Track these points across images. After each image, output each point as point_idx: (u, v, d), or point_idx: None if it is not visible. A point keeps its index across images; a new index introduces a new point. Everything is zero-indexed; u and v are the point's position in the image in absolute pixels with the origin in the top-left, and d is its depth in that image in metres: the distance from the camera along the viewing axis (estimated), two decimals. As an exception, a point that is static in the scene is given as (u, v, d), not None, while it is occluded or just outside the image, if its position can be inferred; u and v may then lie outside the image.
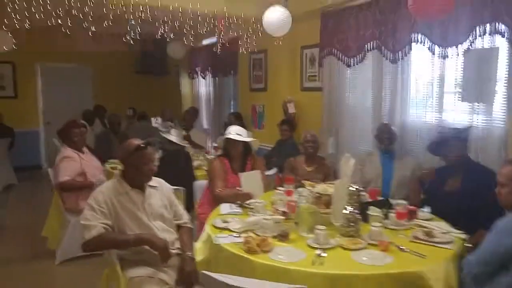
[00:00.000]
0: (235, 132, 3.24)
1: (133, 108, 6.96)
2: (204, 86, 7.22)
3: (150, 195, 2.41)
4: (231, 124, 5.33)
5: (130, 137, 5.12)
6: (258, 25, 4.49)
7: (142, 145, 2.35)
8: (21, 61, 7.20)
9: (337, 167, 3.64)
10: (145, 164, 2.31)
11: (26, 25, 3.66)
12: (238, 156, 3.27)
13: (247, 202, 2.81)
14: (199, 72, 7.03)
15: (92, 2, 3.69)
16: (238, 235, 2.22)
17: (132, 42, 3.92)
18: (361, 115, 4.22)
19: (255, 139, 3.33)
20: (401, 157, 3.51)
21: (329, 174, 3.56)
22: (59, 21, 3.69)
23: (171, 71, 8.21)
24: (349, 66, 4.13)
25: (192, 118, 5.67)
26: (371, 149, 3.84)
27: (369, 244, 2.08)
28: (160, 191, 2.50)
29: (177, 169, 3.60)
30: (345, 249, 2.03)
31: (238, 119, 5.44)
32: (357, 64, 4.03)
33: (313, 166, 3.59)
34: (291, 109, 4.83)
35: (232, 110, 6.38)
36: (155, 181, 2.52)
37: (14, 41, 4.68)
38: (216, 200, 3.06)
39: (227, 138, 3.22)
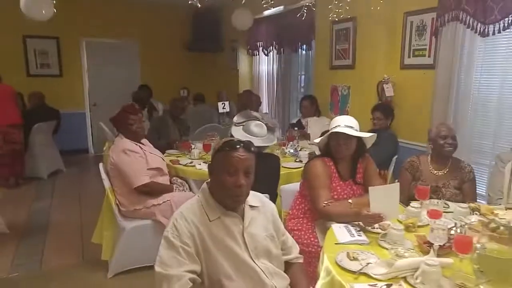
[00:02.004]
0: (345, 125, 2.35)
1: (187, 88, 6.21)
2: (266, 64, 6.29)
3: (251, 221, 1.62)
4: (305, 110, 4.47)
5: (190, 123, 4.50)
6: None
7: (232, 145, 1.53)
8: (66, 35, 6.71)
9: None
10: (230, 175, 1.50)
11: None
12: (348, 157, 2.40)
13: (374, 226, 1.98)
14: (260, 48, 6.09)
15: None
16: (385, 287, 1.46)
17: (199, 4, 3.02)
18: (498, 104, 3.20)
19: (373, 134, 2.41)
20: None
21: (467, 180, 2.62)
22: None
23: (226, 48, 7.32)
24: (485, 35, 3.07)
25: (257, 101, 4.78)
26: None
27: None
28: (263, 214, 1.70)
29: (268, 180, 2.69)
30: None
31: (313, 104, 4.52)
32: (499, 32, 2.97)
33: (443, 169, 2.66)
34: (389, 92, 3.85)
35: (302, 92, 5.44)
36: (257, 198, 1.71)
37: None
38: (319, 216, 2.28)
39: (334, 133, 2.33)
